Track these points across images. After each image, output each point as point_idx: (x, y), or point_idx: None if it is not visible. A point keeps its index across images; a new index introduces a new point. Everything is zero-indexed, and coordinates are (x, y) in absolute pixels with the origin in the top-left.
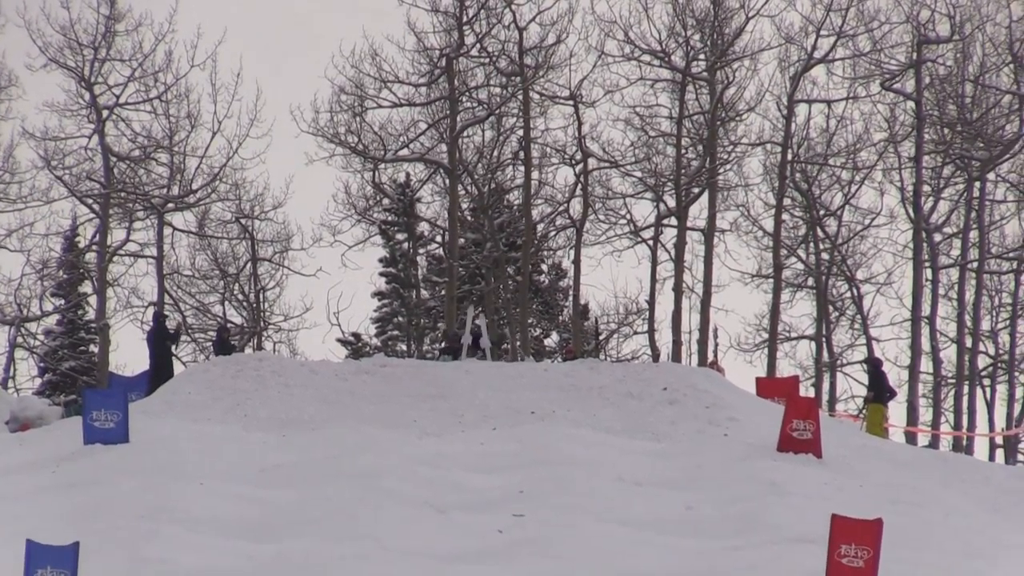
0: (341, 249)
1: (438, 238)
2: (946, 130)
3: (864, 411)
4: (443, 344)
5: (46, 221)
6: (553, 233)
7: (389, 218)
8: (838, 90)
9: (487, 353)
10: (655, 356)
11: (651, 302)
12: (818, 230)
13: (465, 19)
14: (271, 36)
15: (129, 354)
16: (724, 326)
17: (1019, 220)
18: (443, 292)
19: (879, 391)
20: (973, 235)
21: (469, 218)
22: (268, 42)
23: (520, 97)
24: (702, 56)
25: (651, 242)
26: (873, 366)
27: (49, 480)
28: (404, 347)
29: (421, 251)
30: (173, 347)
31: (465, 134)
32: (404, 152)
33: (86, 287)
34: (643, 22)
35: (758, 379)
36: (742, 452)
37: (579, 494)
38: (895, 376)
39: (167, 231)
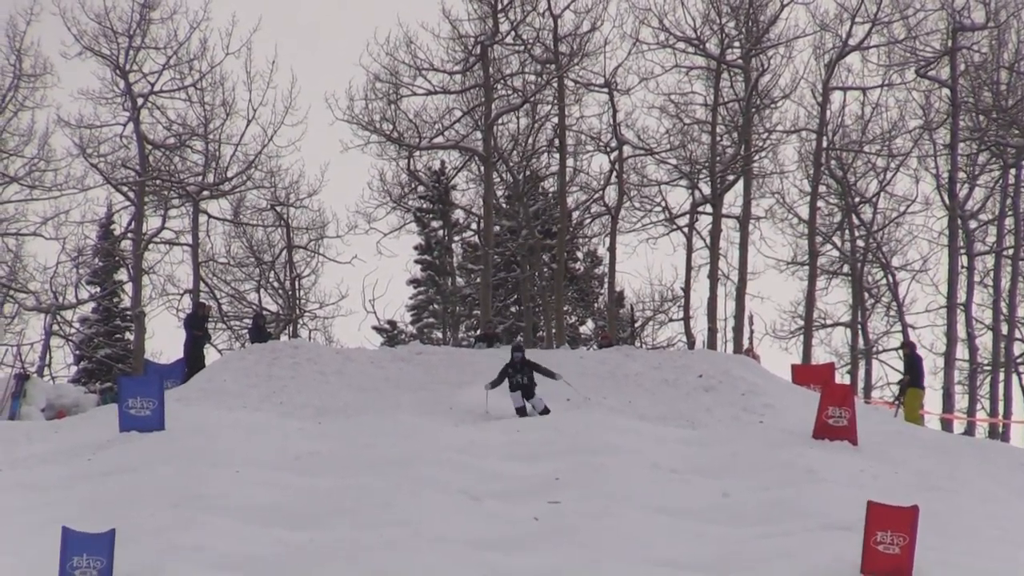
0: (376, 236)
1: (473, 225)
2: (981, 117)
3: (899, 397)
4: (479, 332)
5: (81, 209)
6: (588, 220)
7: (424, 205)
8: (873, 77)
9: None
10: (690, 343)
11: (686, 289)
12: (853, 217)
13: (500, 6)
14: (306, 24)
15: (164, 342)
16: (760, 313)
17: None
18: (478, 279)
19: (915, 375)
20: (1009, 222)
21: (504, 205)
22: (303, 30)
23: (555, 85)
24: (737, 43)
25: (686, 229)
26: (909, 349)
27: (84, 468)
28: (439, 334)
29: (456, 238)
30: (201, 335)
31: (500, 122)
32: (439, 140)
33: (121, 275)
34: (678, 9)
35: (794, 366)
36: (778, 439)
37: (614, 482)
38: (930, 363)
39: (202, 219)
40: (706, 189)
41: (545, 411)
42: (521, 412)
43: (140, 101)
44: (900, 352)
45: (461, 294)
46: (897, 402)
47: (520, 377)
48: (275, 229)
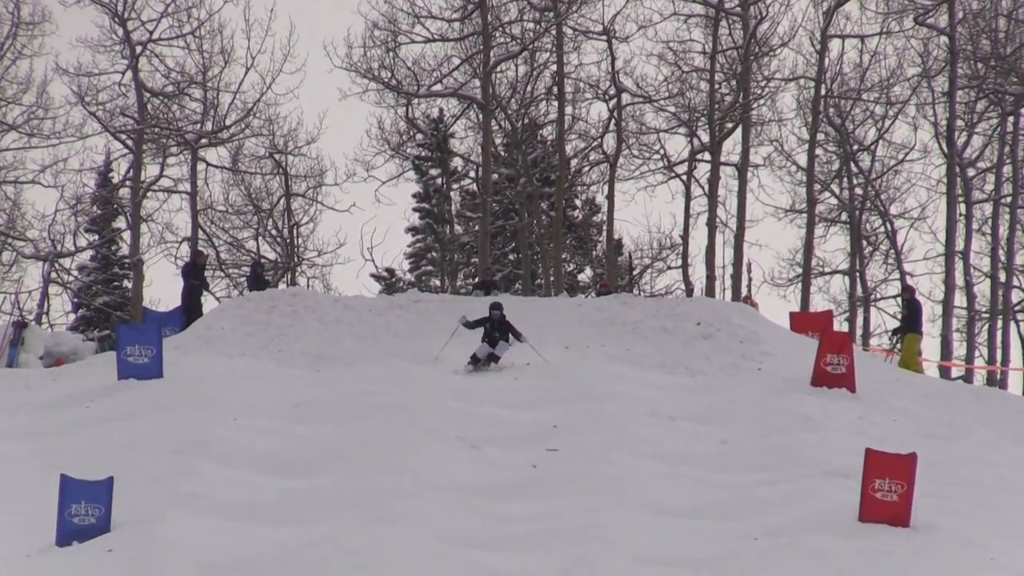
0: (375, 184)
1: (471, 173)
2: (979, 65)
3: (896, 342)
4: (476, 279)
5: (80, 157)
6: (587, 168)
7: (422, 153)
8: (871, 25)
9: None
10: (689, 291)
11: (685, 237)
12: (851, 165)
13: None
14: None
15: (163, 289)
16: (758, 261)
17: None
18: (476, 227)
19: (914, 321)
20: (1007, 170)
21: (502, 153)
22: None
23: (553, 32)
24: None
25: (684, 177)
26: (909, 295)
27: (83, 415)
28: (438, 282)
29: (455, 186)
30: (199, 283)
31: (498, 69)
32: (437, 87)
33: (120, 223)
34: None
35: (792, 314)
36: (776, 387)
37: (613, 429)
38: (928, 311)
39: (200, 167)
40: (704, 137)
41: (498, 357)
42: (476, 361)
43: (139, 49)
44: (899, 299)
45: (459, 242)
46: (893, 345)
47: (495, 334)
48: (273, 177)
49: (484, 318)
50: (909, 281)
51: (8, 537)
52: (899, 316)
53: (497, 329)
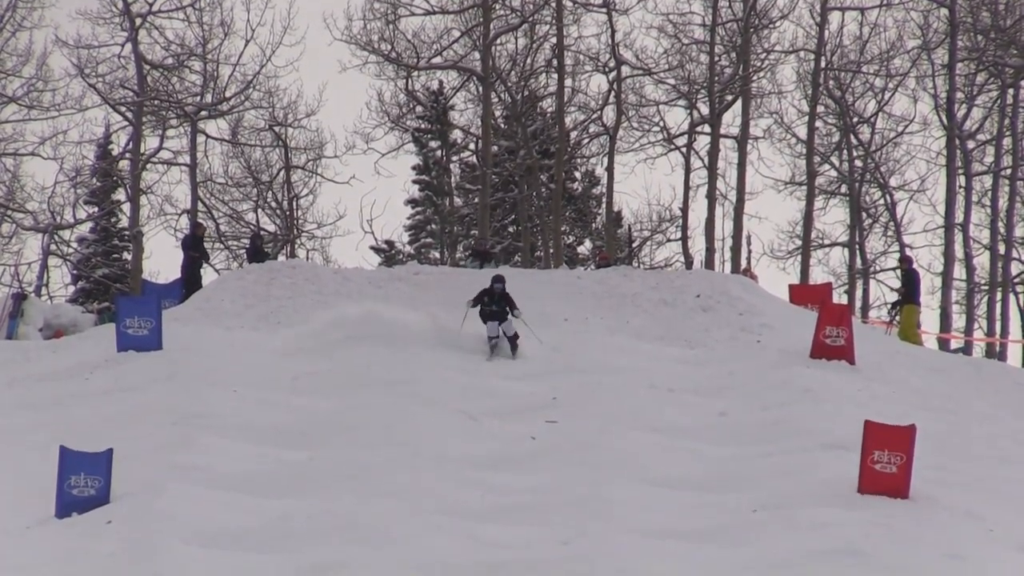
0: (374, 157)
1: (471, 146)
2: (979, 37)
3: (895, 315)
4: (470, 249)
5: (79, 129)
6: (586, 140)
7: (422, 126)
8: None
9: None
10: (688, 263)
11: (684, 209)
12: (851, 137)
13: None
14: None
15: (162, 261)
16: (757, 233)
17: None
18: (476, 200)
19: (912, 291)
20: (1007, 142)
21: (502, 126)
22: None
23: (553, 4)
24: None
25: (684, 149)
26: (907, 265)
27: (82, 387)
28: (437, 255)
29: (454, 159)
30: (198, 255)
31: (498, 42)
32: (437, 60)
33: (119, 195)
34: None
35: (791, 286)
36: (775, 359)
37: (612, 401)
38: (928, 283)
39: (200, 139)
40: (704, 109)
41: (515, 336)
42: (494, 342)
43: (138, 21)
44: (897, 271)
45: (459, 214)
46: (892, 317)
47: (493, 306)
48: (273, 149)
49: (484, 290)
50: (907, 252)
51: (7, 509)
52: (898, 289)
53: (496, 302)
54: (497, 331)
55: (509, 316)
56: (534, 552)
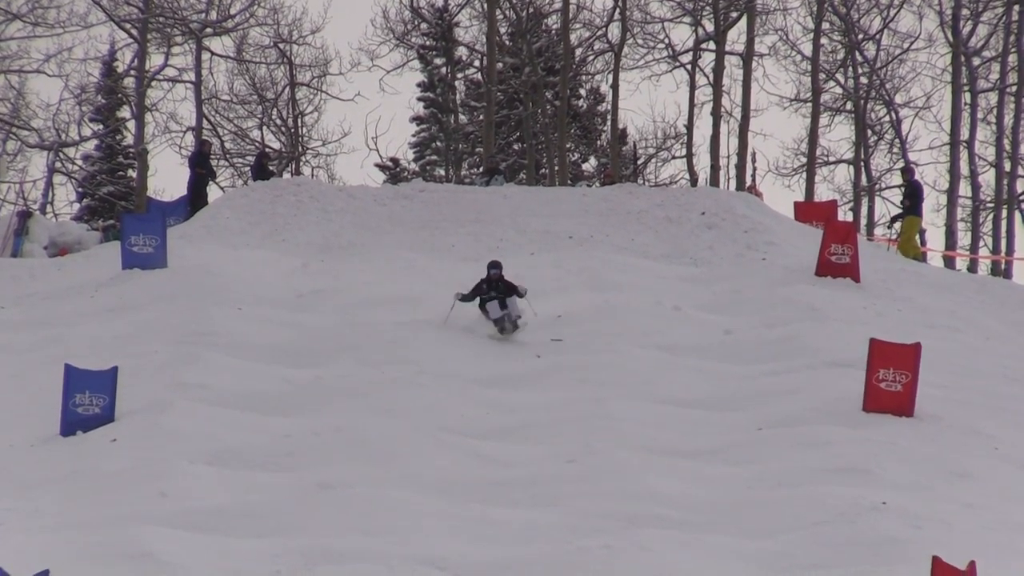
0: (379, 74)
1: (476, 63)
2: None
3: (892, 223)
4: (481, 168)
5: (84, 46)
6: (591, 58)
7: (427, 43)
8: None
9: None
10: (693, 181)
11: (689, 127)
12: (856, 54)
13: None
14: None
15: (167, 179)
16: (762, 151)
17: None
18: (481, 117)
19: (914, 203)
20: (1012, 59)
21: (507, 43)
22: None
23: None
24: None
25: (689, 67)
26: (909, 176)
27: (87, 305)
28: (442, 172)
29: (459, 76)
30: (204, 172)
31: None
32: None
33: (124, 112)
34: None
35: (796, 203)
36: (780, 276)
37: (617, 319)
38: (933, 200)
39: (205, 56)
40: (709, 26)
41: (518, 317)
42: (500, 323)
43: None
44: (902, 188)
45: (464, 131)
46: (891, 229)
47: (492, 293)
48: (278, 67)
49: (480, 281)
50: (914, 172)
51: (12, 427)
52: (901, 201)
53: (495, 288)
54: (499, 312)
55: (514, 298)
56: (540, 469)
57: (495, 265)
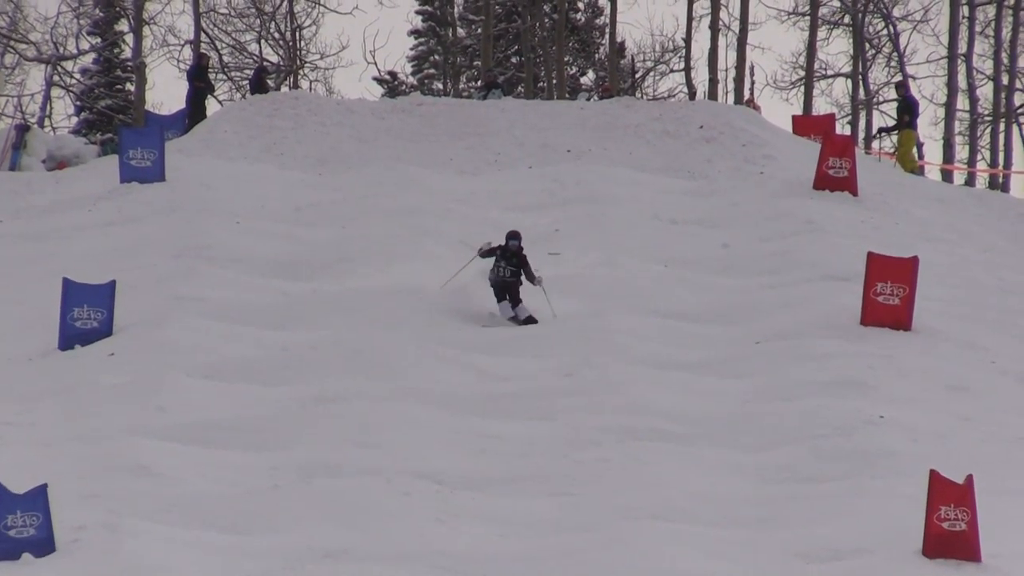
0: None
1: None
2: None
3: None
4: (481, 83)
5: None
6: None
7: None
8: None
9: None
10: (691, 94)
11: (687, 40)
12: None
13: None
14: None
15: (165, 93)
16: (760, 64)
17: None
18: (479, 30)
19: (910, 117)
20: None
21: None
22: None
23: None
24: None
25: None
26: (904, 91)
27: (85, 219)
28: (440, 86)
29: None
30: (203, 86)
31: None
32: None
33: (122, 26)
34: None
35: (794, 117)
36: (778, 190)
37: (615, 232)
38: (931, 113)
39: None
40: None
41: (529, 320)
42: (515, 320)
43: None
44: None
45: (462, 45)
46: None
47: (505, 264)
48: None
49: (499, 246)
50: (912, 87)
51: (10, 340)
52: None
53: (509, 261)
54: (511, 312)
55: (522, 302)
56: (538, 383)
57: (514, 236)
